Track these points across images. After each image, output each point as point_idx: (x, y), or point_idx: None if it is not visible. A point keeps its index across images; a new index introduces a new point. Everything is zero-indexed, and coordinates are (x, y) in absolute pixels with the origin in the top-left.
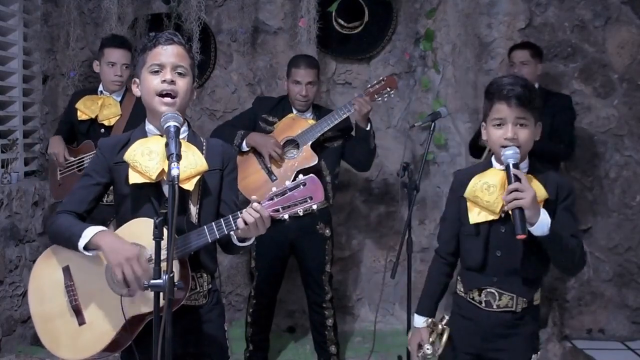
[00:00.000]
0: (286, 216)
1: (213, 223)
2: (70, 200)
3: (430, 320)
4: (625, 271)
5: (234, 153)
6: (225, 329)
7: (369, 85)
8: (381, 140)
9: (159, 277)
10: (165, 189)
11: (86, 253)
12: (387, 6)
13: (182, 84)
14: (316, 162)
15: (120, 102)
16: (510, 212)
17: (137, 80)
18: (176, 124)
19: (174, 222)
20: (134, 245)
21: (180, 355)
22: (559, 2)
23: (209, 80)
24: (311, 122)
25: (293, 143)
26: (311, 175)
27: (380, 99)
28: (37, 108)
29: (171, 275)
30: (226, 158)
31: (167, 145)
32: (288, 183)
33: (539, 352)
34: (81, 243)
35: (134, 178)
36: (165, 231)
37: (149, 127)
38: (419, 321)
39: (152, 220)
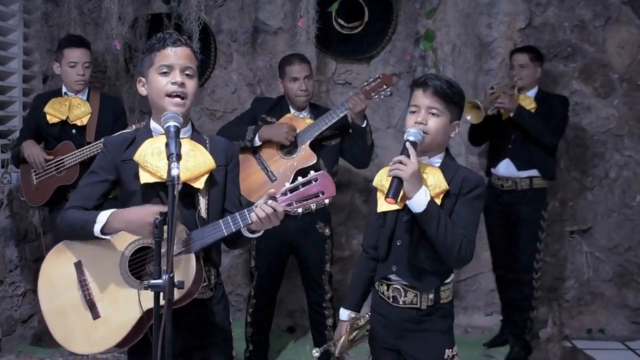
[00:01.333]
0: (300, 210)
1: (228, 217)
2: (78, 196)
3: (352, 314)
4: (625, 271)
5: (236, 150)
6: (231, 322)
7: (365, 83)
8: (381, 140)
9: (159, 277)
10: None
11: (103, 237)
12: (387, 6)
13: (190, 86)
14: (315, 161)
15: (87, 100)
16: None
17: (143, 79)
18: (176, 124)
19: (174, 222)
20: (147, 207)
21: (187, 348)
22: (559, 2)
23: (209, 80)
24: (309, 121)
25: (292, 143)
26: (323, 171)
27: (376, 96)
28: None
29: (171, 275)
30: (229, 154)
31: (167, 145)
32: (300, 179)
33: (454, 347)
34: (97, 228)
35: (145, 178)
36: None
37: (154, 125)
38: (343, 314)
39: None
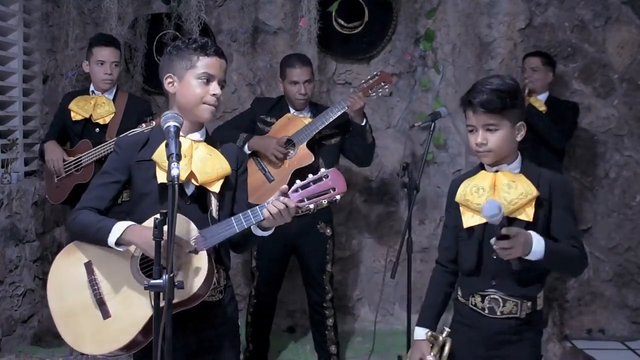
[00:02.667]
0: (312, 206)
1: (240, 214)
2: (90, 196)
3: (430, 332)
4: (625, 271)
5: (246, 156)
6: (239, 324)
7: (363, 81)
8: (381, 140)
9: (159, 277)
10: (189, 189)
11: (117, 248)
12: (387, 6)
13: (221, 96)
14: (312, 160)
15: (113, 100)
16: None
17: (175, 77)
18: (176, 124)
19: (174, 221)
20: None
21: (195, 351)
22: (559, 2)
23: None
24: (307, 120)
25: (289, 143)
26: (333, 168)
27: (374, 94)
28: (37, 108)
29: (171, 275)
30: (240, 159)
31: (167, 145)
32: (311, 176)
33: (542, 358)
34: (111, 238)
35: (162, 177)
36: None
37: None
38: (420, 333)
39: (181, 216)
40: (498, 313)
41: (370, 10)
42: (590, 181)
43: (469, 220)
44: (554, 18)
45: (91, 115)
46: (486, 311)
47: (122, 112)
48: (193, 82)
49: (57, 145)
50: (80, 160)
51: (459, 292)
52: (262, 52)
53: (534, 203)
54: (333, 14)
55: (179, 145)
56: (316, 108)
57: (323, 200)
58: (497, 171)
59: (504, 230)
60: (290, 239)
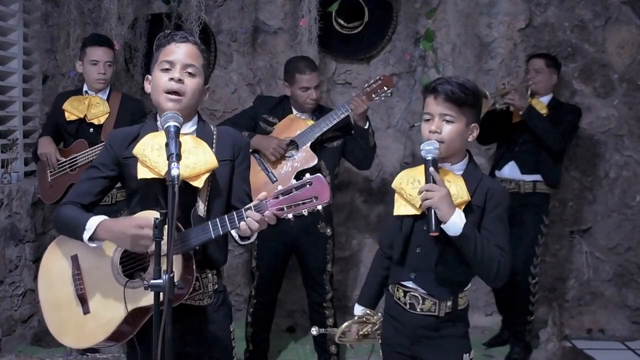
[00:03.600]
0: (290, 216)
1: (217, 219)
2: (76, 191)
3: (366, 310)
4: (625, 271)
5: (244, 142)
6: (232, 329)
7: (367, 85)
8: (381, 140)
9: (159, 277)
10: None
11: (91, 244)
12: (387, 6)
13: (190, 84)
14: (316, 162)
15: (107, 100)
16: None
17: (150, 77)
18: (176, 124)
19: (174, 222)
20: (131, 220)
21: (181, 355)
22: (559, 2)
23: (209, 80)
24: (310, 122)
25: (292, 144)
26: (318, 175)
27: (377, 98)
28: (37, 108)
29: (171, 275)
30: (237, 148)
31: (167, 145)
32: (294, 182)
33: (471, 351)
34: (85, 235)
35: (142, 173)
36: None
37: (159, 124)
38: (357, 310)
39: (158, 213)
40: (418, 310)
41: (370, 10)
42: (590, 181)
43: (400, 208)
44: (554, 18)
45: (85, 116)
46: (407, 306)
47: (116, 112)
48: (156, 74)
49: (52, 141)
50: (76, 160)
51: (389, 280)
52: (262, 52)
53: (463, 207)
54: (333, 14)
55: (179, 145)
56: (319, 109)
57: (303, 210)
58: None
59: (431, 170)
60: (291, 239)
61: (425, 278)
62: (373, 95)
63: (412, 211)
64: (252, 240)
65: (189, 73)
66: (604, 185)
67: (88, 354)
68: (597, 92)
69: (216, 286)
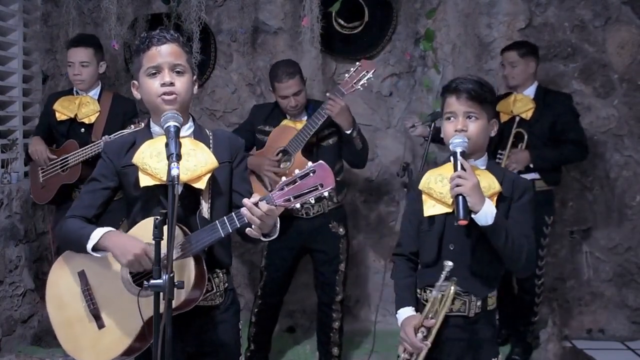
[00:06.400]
0: (298, 205)
1: (225, 217)
2: (79, 205)
3: (413, 310)
4: (625, 271)
5: (241, 143)
6: (240, 327)
7: (347, 75)
8: (381, 140)
9: (159, 277)
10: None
11: (95, 254)
12: (387, 6)
13: (181, 83)
14: None
15: (98, 99)
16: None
17: (137, 83)
18: (176, 124)
19: (174, 222)
20: (139, 241)
21: (193, 355)
22: (559, 2)
23: (209, 80)
24: (299, 125)
25: (285, 153)
26: (320, 162)
27: (359, 86)
28: (37, 108)
29: (171, 275)
30: (234, 150)
31: (167, 145)
32: (297, 171)
33: (499, 356)
34: (89, 245)
35: (144, 181)
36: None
37: (154, 128)
38: (407, 311)
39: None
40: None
41: (370, 10)
42: (590, 181)
43: (430, 209)
44: (554, 18)
45: (76, 115)
46: None
47: (107, 112)
48: (144, 81)
49: (41, 140)
50: (67, 161)
51: (418, 285)
52: (262, 52)
53: (495, 198)
54: (333, 14)
55: (179, 145)
56: (314, 106)
57: (310, 198)
58: None
59: (461, 159)
60: (303, 239)
61: (460, 275)
62: (354, 85)
63: (443, 209)
64: (274, 236)
65: (178, 72)
66: (604, 185)
67: None
68: (597, 92)
69: (226, 284)
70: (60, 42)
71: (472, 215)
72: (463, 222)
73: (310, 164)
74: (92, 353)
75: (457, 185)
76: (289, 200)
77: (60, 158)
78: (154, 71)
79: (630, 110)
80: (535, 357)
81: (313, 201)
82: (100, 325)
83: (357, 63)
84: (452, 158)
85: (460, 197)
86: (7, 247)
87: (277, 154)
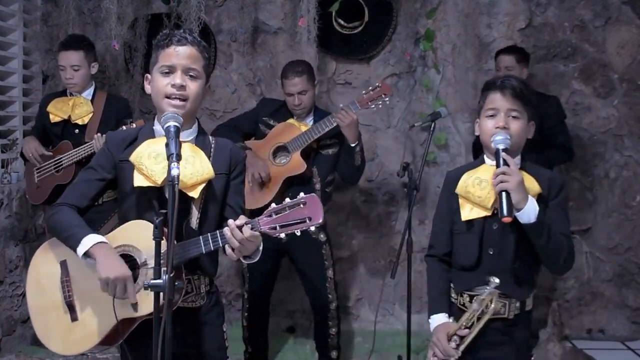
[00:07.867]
0: (283, 235)
1: (209, 235)
2: (73, 192)
3: (447, 317)
4: (625, 271)
5: (241, 156)
6: (224, 329)
7: (364, 92)
8: (381, 140)
9: (159, 277)
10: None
11: (82, 259)
12: (387, 6)
13: (192, 88)
14: (303, 170)
15: (91, 100)
16: (497, 197)
17: (149, 77)
18: (176, 124)
19: (174, 222)
20: (125, 267)
21: (177, 356)
22: (559, 2)
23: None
24: (304, 128)
25: (284, 149)
26: (312, 194)
27: (374, 105)
28: (37, 108)
29: (171, 275)
30: (233, 162)
31: (167, 145)
32: (288, 200)
33: (532, 357)
34: (80, 250)
35: (138, 181)
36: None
37: (157, 127)
38: (441, 318)
39: (150, 224)
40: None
41: (370, 10)
42: (590, 181)
43: (468, 213)
44: (554, 18)
45: (70, 116)
46: None
47: (100, 112)
48: (156, 77)
49: (34, 138)
50: (61, 161)
51: (451, 291)
52: (262, 52)
53: (535, 199)
54: (333, 14)
55: (179, 145)
56: (320, 114)
57: (296, 230)
58: None
59: (504, 155)
60: (281, 246)
61: (502, 279)
62: (369, 103)
63: (482, 213)
64: (255, 259)
65: (191, 76)
66: (604, 185)
67: (88, 354)
68: (597, 92)
69: (208, 287)
70: (60, 42)
71: (515, 213)
72: (507, 220)
73: (302, 194)
74: (61, 344)
75: (502, 182)
76: (274, 228)
77: (55, 158)
78: (167, 70)
79: (630, 110)
80: (535, 357)
81: (298, 233)
82: (74, 318)
83: (377, 84)
84: (495, 155)
85: (504, 194)
86: (7, 247)
87: (275, 154)
